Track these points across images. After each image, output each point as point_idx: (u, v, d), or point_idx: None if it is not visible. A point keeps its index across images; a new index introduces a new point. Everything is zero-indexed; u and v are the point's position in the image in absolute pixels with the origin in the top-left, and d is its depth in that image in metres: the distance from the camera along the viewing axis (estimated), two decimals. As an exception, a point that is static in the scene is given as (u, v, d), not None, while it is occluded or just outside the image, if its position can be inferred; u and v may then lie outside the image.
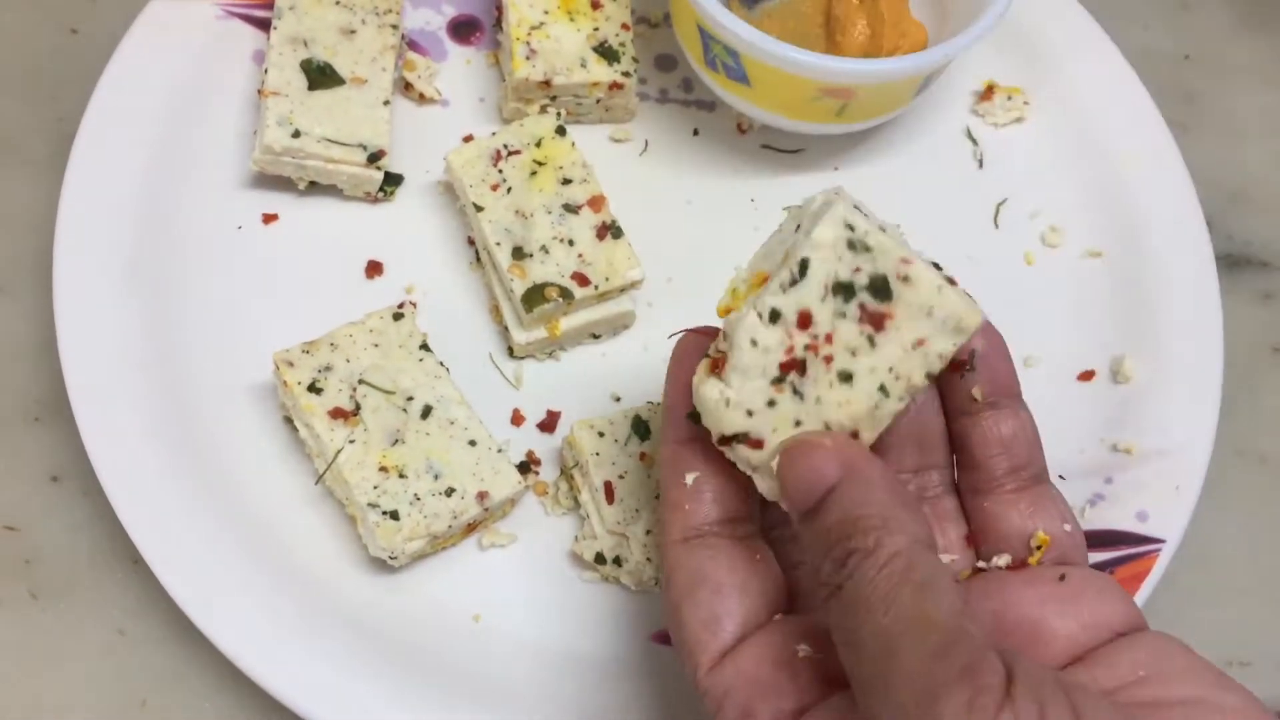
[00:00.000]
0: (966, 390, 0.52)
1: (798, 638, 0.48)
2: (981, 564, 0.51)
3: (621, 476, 0.62)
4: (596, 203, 0.68)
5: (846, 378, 0.48)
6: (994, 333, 0.53)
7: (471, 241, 0.71)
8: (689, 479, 0.51)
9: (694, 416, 0.50)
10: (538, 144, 0.69)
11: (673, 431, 0.52)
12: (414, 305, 0.67)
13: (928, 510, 0.52)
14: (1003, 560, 0.51)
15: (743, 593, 0.49)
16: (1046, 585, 0.49)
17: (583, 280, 0.66)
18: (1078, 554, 0.51)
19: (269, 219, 0.71)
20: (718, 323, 0.70)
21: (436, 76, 0.76)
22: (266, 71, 0.70)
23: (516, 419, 0.67)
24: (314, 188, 0.71)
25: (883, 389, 0.48)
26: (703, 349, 0.52)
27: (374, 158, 0.69)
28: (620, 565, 0.62)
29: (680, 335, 0.54)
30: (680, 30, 0.73)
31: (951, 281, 0.48)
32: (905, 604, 0.42)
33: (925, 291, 0.47)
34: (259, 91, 0.71)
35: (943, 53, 0.67)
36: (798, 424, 0.48)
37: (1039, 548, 0.51)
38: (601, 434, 0.63)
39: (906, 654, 0.41)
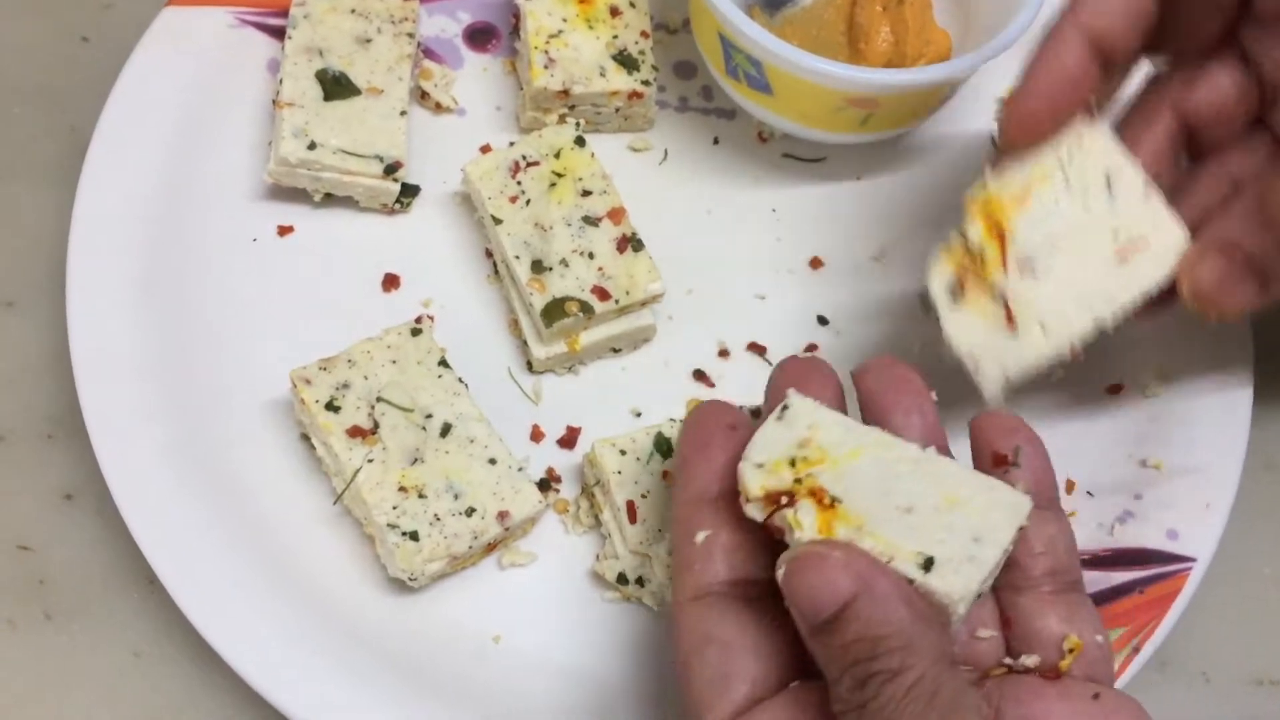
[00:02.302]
0: (1010, 486, 0.50)
1: (815, 710, 0.46)
2: (1009, 660, 0.50)
3: (644, 496, 0.61)
4: (616, 215, 0.67)
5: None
6: (1034, 435, 0.52)
7: (490, 254, 0.70)
8: (699, 538, 0.50)
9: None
10: (556, 155, 0.68)
11: (685, 491, 0.51)
12: (431, 319, 0.66)
13: None
14: (1032, 660, 0.49)
15: (754, 654, 0.48)
16: (1080, 701, 0.48)
17: (603, 294, 0.65)
18: (1105, 669, 0.50)
19: (284, 231, 0.70)
20: (734, 335, 0.69)
21: (453, 85, 0.75)
22: (281, 82, 0.69)
23: (536, 435, 0.67)
24: (330, 199, 0.70)
25: None
26: (723, 416, 0.52)
27: (390, 169, 0.68)
28: (643, 586, 0.61)
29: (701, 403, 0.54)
30: (701, 38, 0.72)
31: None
32: None
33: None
34: (274, 102, 0.70)
35: (969, 63, 0.66)
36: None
37: (1071, 651, 0.49)
38: (623, 452, 0.62)
39: None
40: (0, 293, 0.70)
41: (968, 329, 0.58)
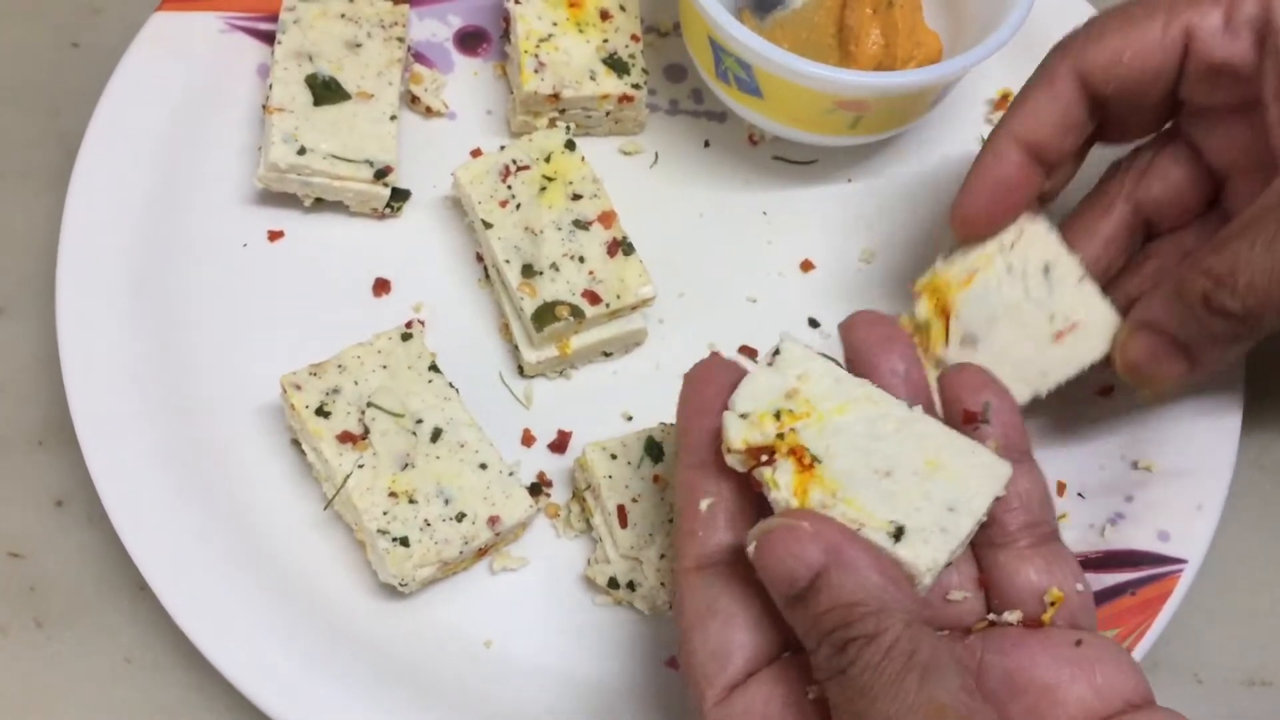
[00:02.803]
0: (981, 442, 0.51)
1: (808, 678, 0.47)
2: (992, 617, 0.51)
3: (635, 500, 0.61)
4: (607, 219, 0.67)
5: None
6: (1002, 388, 0.53)
7: (480, 258, 0.70)
8: (703, 505, 0.50)
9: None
10: (547, 159, 0.68)
11: (687, 455, 0.51)
12: (422, 324, 0.66)
13: None
14: (1014, 616, 0.50)
15: (755, 627, 0.48)
16: (1062, 648, 0.49)
17: (594, 298, 0.65)
18: (1087, 616, 0.51)
19: (275, 236, 0.70)
20: (725, 338, 0.69)
21: (443, 89, 0.75)
22: (271, 87, 0.69)
23: (527, 439, 0.67)
24: (320, 204, 0.70)
25: None
26: (723, 376, 0.51)
27: (381, 174, 0.68)
28: (634, 590, 0.61)
29: (700, 361, 0.53)
30: (691, 42, 0.72)
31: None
32: (911, 690, 0.42)
33: None
34: (264, 107, 0.70)
35: (960, 64, 0.66)
36: None
37: (1052, 604, 0.50)
38: (614, 456, 0.62)
39: None
40: (-10, 299, 0.70)
41: None
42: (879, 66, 0.70)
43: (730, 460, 0.50)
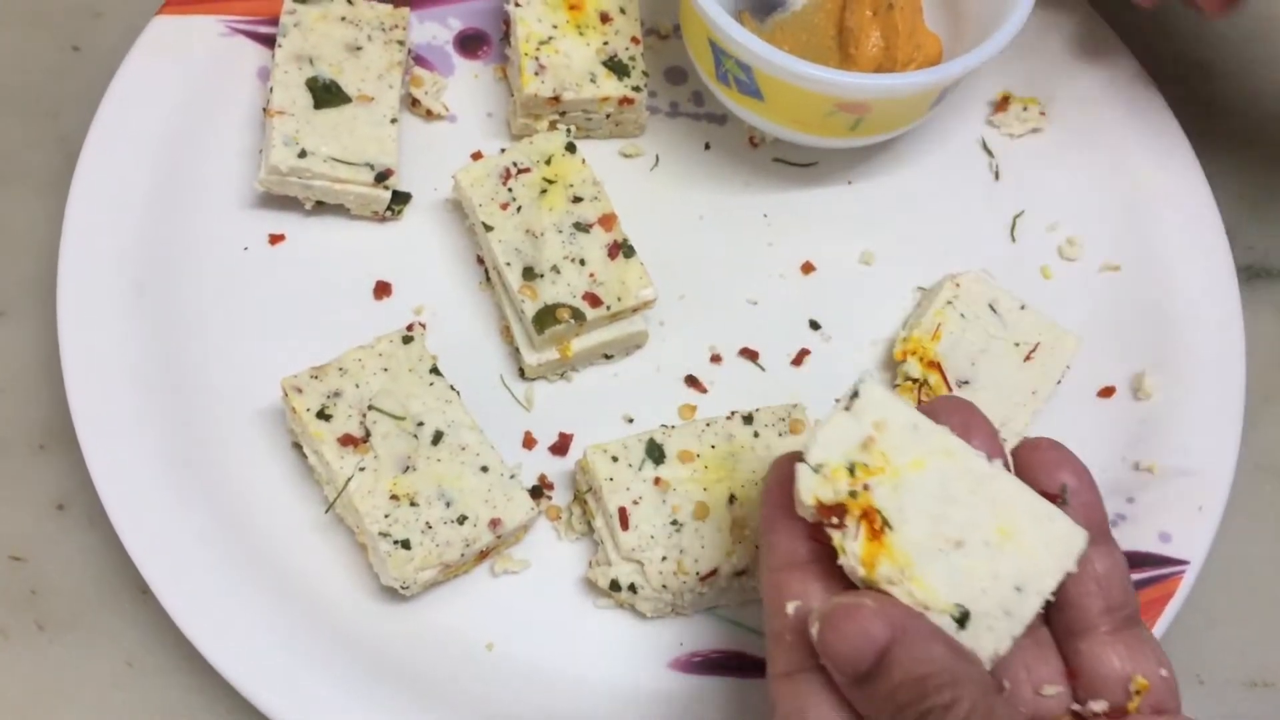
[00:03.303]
0: None
1: None
2: (1077, 707, 0.49)
3: (636, 502, 0.61)
4: (607, 221, 0.67)
5: None
6: (1081, 465, 0.51)
7: (481, 261, 0.70)
8: (790, 608, 0.48)
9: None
10: (547, 161, 0.68)
11: (773, 556, 0.50)
12: (423, 326, 0.66)
13: (1026, 638, 0.49)
14: (1100, 706, 0.48)
15: None
16: None
17: (594, 300, 0.65)
18: (1172, 701, 0.49)
19: (276, 240, 0.70)
20: (726, 340, 0.69)
21: (443, 92, 0.75)
22: (272, 90, 0.69)
23: (528, 442, 0.67)
24: (321, 207, 0.70)
25: None
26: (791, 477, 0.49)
27: (381, 177, 0.68)
28: (635, 592, 0.61)
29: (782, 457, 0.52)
30: (691, 44, 0.72)
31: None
32: None
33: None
34: (264, 110, 0.70)
35: (961, 66, 0.66)
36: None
37: (1138, 693, 0.49)
38: (615, 458, 0.62)
39: None
40: (-9, 302, 0.70)
41: None
42: (879, 68, 0.70)
43: (800, 511, 0.48)
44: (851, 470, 0.48)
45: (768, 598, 0.49)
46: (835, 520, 0.47)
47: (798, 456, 0.49)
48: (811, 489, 0.48)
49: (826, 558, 0.48)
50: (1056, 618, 0.50)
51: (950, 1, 0.75)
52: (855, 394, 0.49)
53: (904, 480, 0.48)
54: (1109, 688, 0.49)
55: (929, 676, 0.43)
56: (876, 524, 0.47)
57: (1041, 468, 0.51)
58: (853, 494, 0.47)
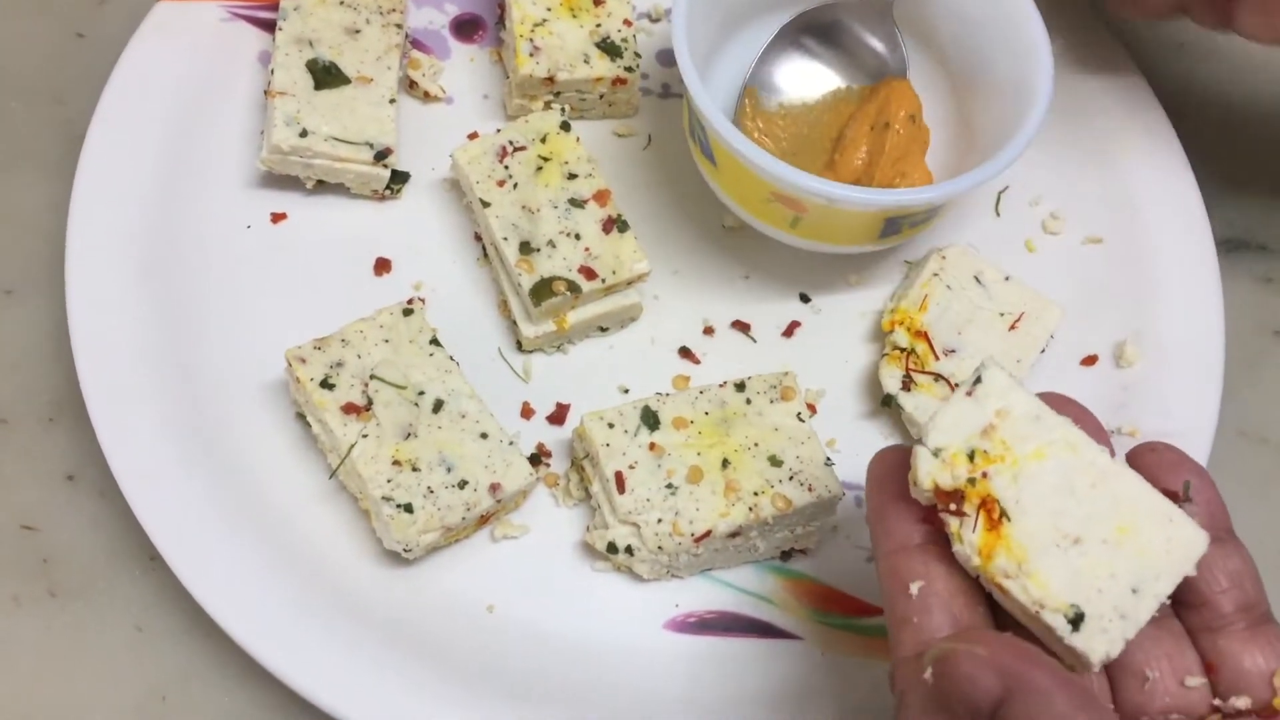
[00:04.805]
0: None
1: None
2: (1218, 702, 0.48)
3: (632, 466, 0.63)
4: (602, 197, 0.69)
5: None
6: (1199, 466, 0.51)
7: (479, 237, 0.72)
8: (914, 588, 0.48)
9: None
10: (543, 140, 0.70)
11: (887, 541, 0.49)
12: (423, 302, 0.68)
13: (1165, 631, 0.49)
14: (1243, 702, 0.47)
15: None
16: None
17: (590, 274, 0.67)
18: None
19: (277, 218, 0.71)
20: (719, 313, 0.71)
21: (440, 74, 0.77)
22: (273, 72, 0.71)
23: (526, 412, 0.68)
24: (321, 186, 0.72)
25: None
26: (904, 459, 0.50)
27: (381, 156, 0.70)
28: (632, 554, 0.63)
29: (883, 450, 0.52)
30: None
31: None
32: None
33: None
34: (265, 92, 0.71)
35: (894, 199, 0.64)
36: None
37: None
38: (611, 425, 0.64)
39: None
40: (0, 281, 0.72)
41: (924, 407, 0.67)
42: (856, 182, 0.69)
43: (916, 494, 0.48)
44: (971, 457, 0.47)
45: (886, 583, 0.49)
46: (953, 507, 0.47)
47: (902, 448, 0.49)
48: (930, 473, 0.47)
49: (942, 540, 0.48)
50: (1189, 616, 0.49)
51: (968, 136, 0.74)
52: (978, 379, 0.48)
53: (1024, 470, 0.47)
54: (1251, 683, 0.48)
55: None
56: (995, 514, 0.47)
57: (1161, 468, 0.50)
58: (971, 481, 0.47)
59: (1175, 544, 0.47)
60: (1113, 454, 0.49)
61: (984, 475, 0.47)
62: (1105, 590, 0.46)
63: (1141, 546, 0.47)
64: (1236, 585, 0.49)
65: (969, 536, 0.47)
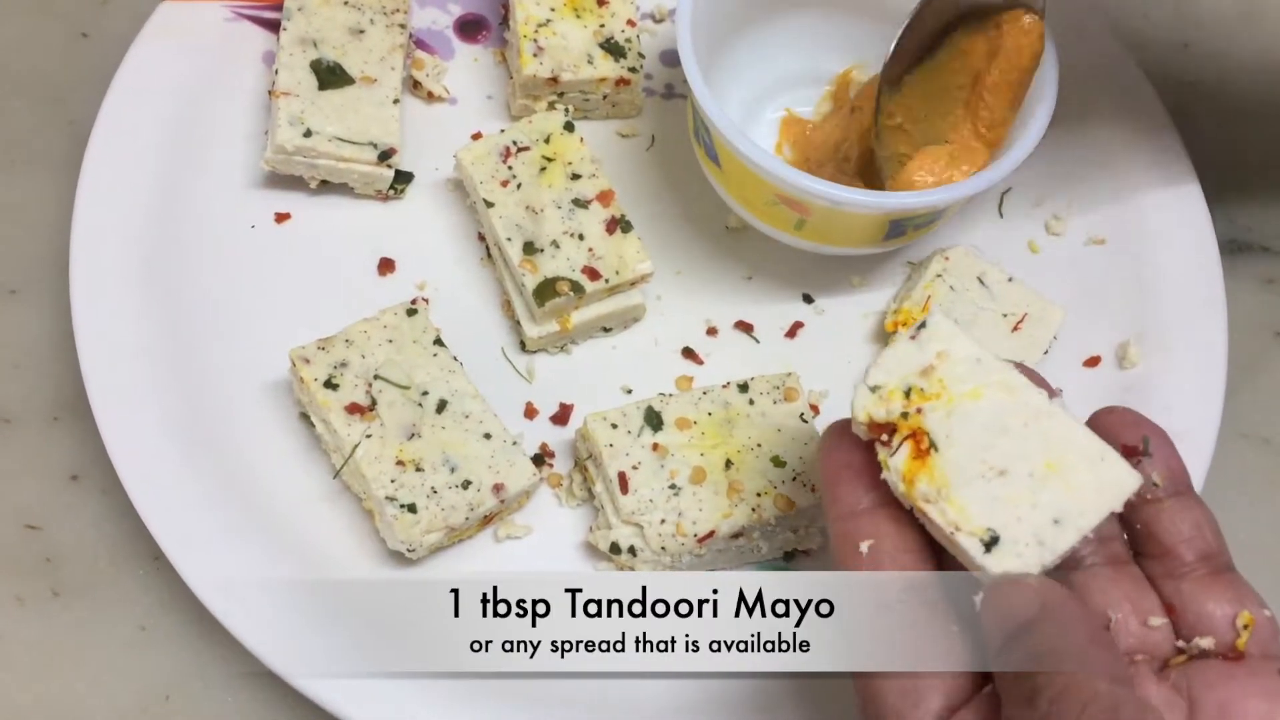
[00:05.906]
0: (1146, 476, 0.50)
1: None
2: (1182, 644, 0.49)
3: (635, 467, 0.63)
4: (605, 197, 0.69)
5: None
6: (1156, 426, 0.52)
7: (482, 238, 0.72)
8: (863, 547, 0.49)
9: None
10: (546, 140, 0.70)
11: (836, 507, 0.51)
12: (426, 302, 0.68)
13: (1124, 575, 0.50)
14: (1207, 642, 0.48)
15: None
16: (1270, 679, 0.47)
17: (593, 274, 0.67)
18: (1276, 645, 0.49)
19: (281, 218, 0.72)
20: (722, 314, 0.71)
21: (444, 75, 0.77)
22: (277, 72, 0.71)
23: (530, 412, 0.68)
24: (325, 186, 0.72)
25: None
26: (852, 441, 0.51)
27: (384, 156, 0.70)
28: (635, 555, 0.63)
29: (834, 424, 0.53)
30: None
31: None
32: None
33: None
34: (269, 92, 0.72)
35: (899, 202, 0.65)
36: None
37: (1245, 627, 0.48)
38: (614, 425, 0.64)
39: None
40: (4, 281, 0.72)
41: None
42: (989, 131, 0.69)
43: (857, 430, 0.50)
44: (908, 394, 0.49)
45: (837, 545, 0.50)
46: (885, 438, 0.48)
47: (848, 422, 0.50)
48: (865, 406, 0.49)
49: (891, 503, 0.49)
50: (1150, 566, 0.50)
51: None
52: (923, 324, 0.50)
53: (958, 408, 0.48)
54: (1215, 624, 0.48)
55: (1054, 653, 0.43)
56: (923, 444, 0.48)
57: (1120, 425, 0.51)
58: (904, 415, 0.48)
59: (1105, 482, 0.47)
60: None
61: (918, 411, 0.48)
62: (1025, 519, 0.47)
63: (1070, 483, 0.47)
64: (1198, 534, 0.50)
65: (895, 463, 0.48)
